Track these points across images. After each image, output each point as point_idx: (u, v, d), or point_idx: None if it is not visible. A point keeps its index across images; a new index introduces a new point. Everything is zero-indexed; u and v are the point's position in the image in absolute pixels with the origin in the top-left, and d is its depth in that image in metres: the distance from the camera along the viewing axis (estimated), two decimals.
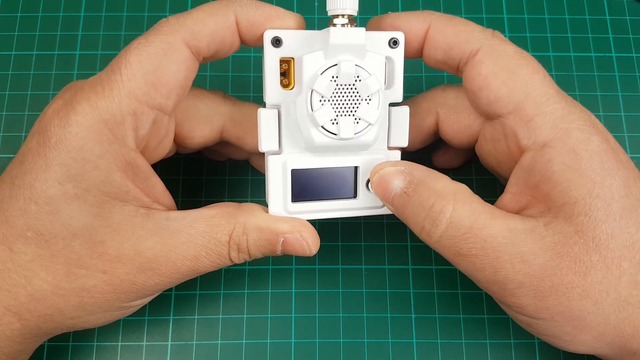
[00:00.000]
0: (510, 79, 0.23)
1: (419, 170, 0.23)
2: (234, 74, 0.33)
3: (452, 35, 0.24)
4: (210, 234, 0.23)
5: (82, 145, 0.21)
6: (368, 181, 0.24)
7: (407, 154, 0.32)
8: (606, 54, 0.34)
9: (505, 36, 0.34)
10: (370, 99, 0.22)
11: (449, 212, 0.22)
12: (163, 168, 0.31)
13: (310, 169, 0.24)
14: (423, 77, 0.33)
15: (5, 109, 0.32)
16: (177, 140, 0.26)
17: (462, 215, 0.22)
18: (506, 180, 0.26)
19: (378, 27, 0.24)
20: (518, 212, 0.24)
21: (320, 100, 0.22)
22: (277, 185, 0.24)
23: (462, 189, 0.23)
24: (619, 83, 0.34)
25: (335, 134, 0.22)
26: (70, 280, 0.22)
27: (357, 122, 0.23)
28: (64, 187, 0.21)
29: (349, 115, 0.22)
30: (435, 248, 0.23)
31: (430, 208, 0.22)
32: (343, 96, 0.22)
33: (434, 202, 0.22)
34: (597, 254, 0.21)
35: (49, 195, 0.21)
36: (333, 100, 0.22)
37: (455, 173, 0.32)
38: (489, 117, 0.24)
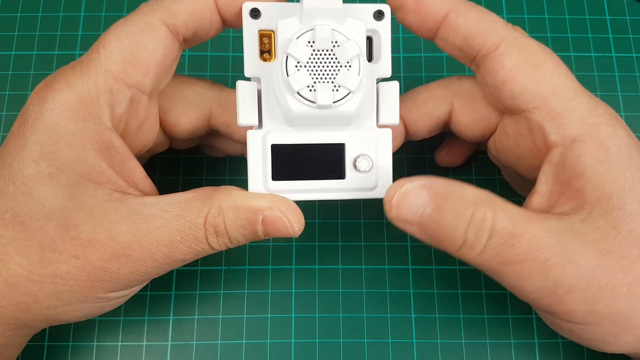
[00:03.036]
0: (535, 72, 0.22)
1: (440, 181, 0.21)
2: (234, 74, 0.33)
3: (475, 23, 0.23)
4: (185, 216, 0.22)
5: (57, 122, 0.21)
6: (356, 160, 0.23)
7: (406, 149, 0.32)
8: (606, 54, 0.34)
9: None
10: (350, 65, 0.22)
11: (491, 219, 0.21)
12: (163, 168, 0.32)
13: (292, 144, 0.23)
14: (423, 77, 0.33)
15: (5, 109, 0.32)
16: (165, 129, 0.26)
17: (503, 220, 0.21)
18: (517, 178, 0.25)
19: None
20: (547, 211, 0.23)
21: (296, 66, 0.21)
22: (257, 161, 0.23)
23: (491, 194, 0.22)
24: (619, 83, 0.34)
25: (313, 102, 0.22)
26: (43, 265, 0.21)
27: (337, 90, 0.22)
28: (38, 166, 0.21)
29: (327, 82, 0.22)
30: (477, 262, 0.21)
31: (471, 218, 0.21)
32: (320, 62, 0.22)
33: (473, 211, 0.21)
34: (637, 247, 0.21)
35: (24, 174, 0.21)
36: (310, 66, 0.21)
37: (455, 173, 0.32)
38: (511, 112, 0.24)
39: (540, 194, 0.23)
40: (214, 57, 0.34)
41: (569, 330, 0.23)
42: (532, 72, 0.22)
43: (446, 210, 0.21)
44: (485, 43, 0.23)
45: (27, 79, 0.33)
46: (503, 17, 0.35)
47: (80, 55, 0.33)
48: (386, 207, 0.22)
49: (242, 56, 0.33)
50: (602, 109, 0.22)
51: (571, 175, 0.22)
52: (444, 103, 0.26)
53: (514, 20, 0.35)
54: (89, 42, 0.33)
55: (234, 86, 0.33)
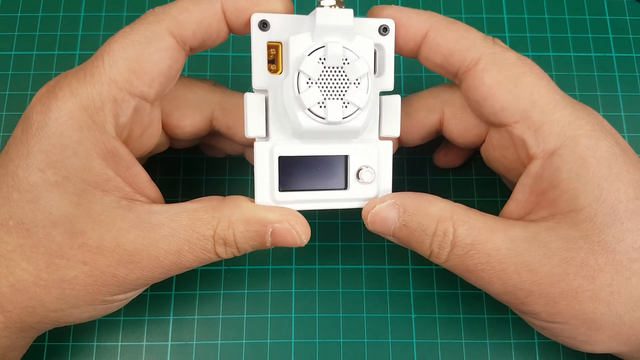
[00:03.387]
0: (515, 87, 0.23)
1: (410, 199, 0.23)
2: (234, 74, 0.33)
3: (453, 41, 0.23)
4: (193, 227, 0.22)
5: (62, 131, 0.21)
6: (359, 172, 0.24)
7: (406, 150, 0.32)
8: (606, 54, 0.34)
9: (505, 36, 0.34)
10: (359, 83, 0.22)
11: (451, 233, 0.22)
12: (163, 168, 0.32)
13: (298, 156, 0.23)
14: (423, 77, 0.34)
15: (5, 109, 0.32)
16: (167, 131, 0.26)
17: (463, 234, 0.22)
18: (513, 184, 0.26)
19: (378, 17, 0.24)
20: (522, 217, 0.24)
21: (307, 83, 0.22)
22: (264, 173, 0.23)
23: (458, 208, 0.23)
24: (619, 83, 0.34)
25: (323, 118, 0.22)
26: (50, 271, 0.21)
27: (346, 106, 0.22)
28: (44, 174, 0.21)
29: (337, 98, 0.22)
30: (446, 267, 0.24)
31: (434, 234, 0.23)
32: (331, 79, 0.22)
33: (435, 228, 0.23)
34: (604, 257, 0.21)
35: (30, 182, 0.21)
36: (320, 83, 0.22)
37: (455, 173, 0.32)
38: (494, 125, 0.24)
39: (516, 201, 0.24)
40: (214, 57, 0.34)
41: (541, 327, 0.24)
42: (511, 87, 0.23)
43: (413, 227, 0.23)
44: (464, 60, 0.23)
45: (27, 79, 0.33)
46: (503, 17, 0.35)
47: (80, 55, 0.33)
48: (364, 222, 0.24)
49: (243, 56, 0.34)
50: (585, 118, 0.23)
51: (548, 187, 0.23)
52: (435, 112, 0.27)
53: (514, 20, 0.35)
54: (89, 42, 0.33)
55: (234, 87, 0.33)
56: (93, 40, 0.33)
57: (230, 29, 0.23)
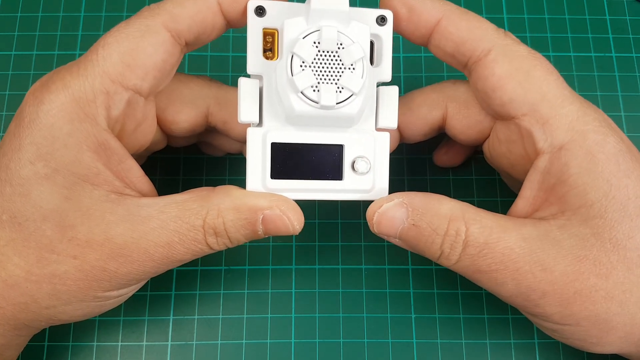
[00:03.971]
0: (525, 80, 0.23)
1: (419, 197, 0.23)
2: (234, 74, 0.33)
3: (466, 30, 0.23)
4: (183, 218, 0.22)
5: (53, 123, 0.21)
6: (354, 162, 0.23)
7: (406, 150, 0.32)
8: (606, 54, 0.34)
9: None
10: (353, 68, 0.22)
11: (464, 233, 0.22)
12: (163, 168, 0.32)
13: (291, 143, 0.23)
14: (423, 77, 0.34)
15: (5, 109, 0.32)
16: (162, 127, 0.26)
17: (475, 233, 0.22)
18: (514, 181, 0.25)
19: (390, 5, 0.24)
20: (531, 215, 0.23)
21: (301, 66, 0.21)
22: (256, 159, 0.23)
23: (467, 207, 0.23)
24: (619, 83, 0.34)
25: (316, 102, 0.22)
26: (41, 266, 0.21)
27: (340, 91, 0.22)
28: (35, 167, 0.21)
29: (331, 83, 0.22)
30: (456, 270, 0.23)
31: (445, 233, 0.22)
32: (325, 63, 0.22)
33: (447, 227, 0.22)
34: (616, 254, 0.21)
35: (21, 175, 0.21)
36: (314, 66, 0.22)
37: (455, 172, 0.32)
38: (501, 118, 0.24)
39: (525, 199, 0.24)
40: (214, 57, 0.34)
41: (552, 330, 0.23)
42: (521, 80, 0.23)
43: (422, 226, 0.22)
44: (475, 50, 0.23)
45: (27, 79, 0.33)
46: (503, 17, 0.35)
47: (80, 55, 0.33)
48: (369, 223, 0.23)
49: (243, 56, 0.34)
50: (592, 115, 0.22)
51: (556, 182, 0.22)
52: (438, 107, 0.26)
53: (514, 20, 0.35)
54: (89, 42, 0.33)
55: (233, 85, 0.33)
56: (93, 40, 0.33)
57: (227, 21, 0.23)
